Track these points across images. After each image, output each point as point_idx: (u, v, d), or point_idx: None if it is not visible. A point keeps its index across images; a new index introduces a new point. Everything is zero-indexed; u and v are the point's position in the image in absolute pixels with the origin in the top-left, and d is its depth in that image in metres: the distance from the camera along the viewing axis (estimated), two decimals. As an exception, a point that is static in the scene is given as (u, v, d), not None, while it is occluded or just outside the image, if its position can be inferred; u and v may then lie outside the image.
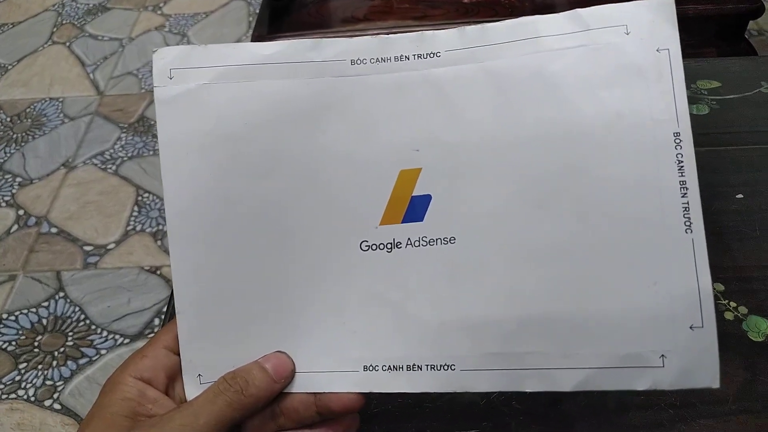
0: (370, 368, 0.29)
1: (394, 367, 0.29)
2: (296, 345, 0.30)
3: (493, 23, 0.30)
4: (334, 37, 0.31)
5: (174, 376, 0.30)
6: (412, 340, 0.29)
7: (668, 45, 0.28)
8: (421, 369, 0.29)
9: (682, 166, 0.27)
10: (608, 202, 0.28)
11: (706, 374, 0.26)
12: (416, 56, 0.30)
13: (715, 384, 0.26)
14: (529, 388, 0.28)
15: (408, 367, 0.29)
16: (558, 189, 0.28)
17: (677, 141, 0.28)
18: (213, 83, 0.30)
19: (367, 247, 0.30)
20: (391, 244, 0.30)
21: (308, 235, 0.30)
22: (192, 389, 0.30)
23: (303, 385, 0.30)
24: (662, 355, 0.27)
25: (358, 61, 0.30)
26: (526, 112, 0.29)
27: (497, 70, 0.29)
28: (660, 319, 0.27)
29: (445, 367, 0.29)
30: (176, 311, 0.30)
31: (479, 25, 0.30)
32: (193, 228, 0.30)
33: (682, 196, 0.27)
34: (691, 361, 0.26)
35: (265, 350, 0.30)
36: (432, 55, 0.30)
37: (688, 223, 0.27)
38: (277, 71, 0.30)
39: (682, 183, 0.27)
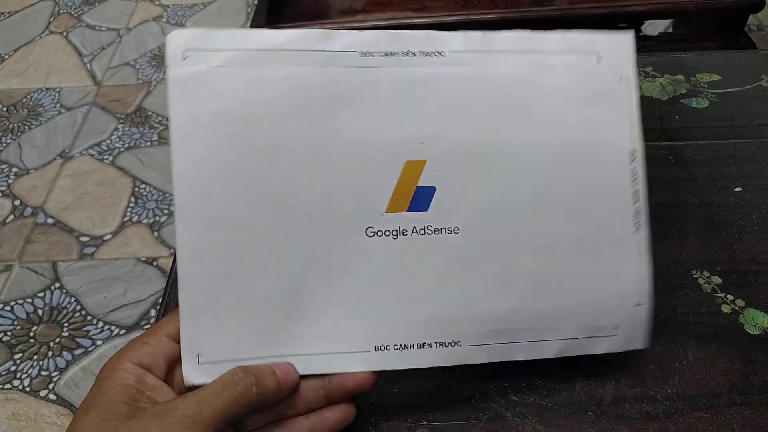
0: (382, 348, 0.31)
1: (404, 345, 0.31)
2: (303, 327, 0.31)
3: (495, 32, 0.32)
4: (333, 28, 0.32)
5: (174, 364, 0.30)
6: (420, 321, 0.31)
7: (629, 74, 0.33)
8: (430, 346, 0.31)
9: (636, 178, 0.33)
10: (584, 204, 0.32)
11: (642, 339, 0.33)
12: (422, 53, 0.32)
13: (647, 344, 0.33)
14: (520, 357, 0.32)
15: (418, 345, 0.31)
16: (548, 189, 0.32)
17: (633, 157, 0.33)
18: (225, 66, 0.30)
19: (372, 234, 0.31)
20: (396, 231, 0.31)
21: (315, 218, 0.31)
22: (190, 369, 0.30)
23: (313, 366, 0.30)
24: (616, 326, 0.33)
25: (368, 53, 0.31)
26: (521, 118, 0.32)
27: (497, 75, 0.32)
28: (616, 299, 0.33)
29: (452, 344, 0.31)
30: (179, 288, 0.30)
31: (482, 32, 0.32)
32: (200, 206, 0.30)
33: (634, 203, 0.33)
34: (633, 329, 0.33)
35: (269, 332, 0.30)
36: (437, 54, 0.32)
37: (637, 226, 0.33)
38: (288, 58, 0.31)
39: (635, 192, 0.33)
